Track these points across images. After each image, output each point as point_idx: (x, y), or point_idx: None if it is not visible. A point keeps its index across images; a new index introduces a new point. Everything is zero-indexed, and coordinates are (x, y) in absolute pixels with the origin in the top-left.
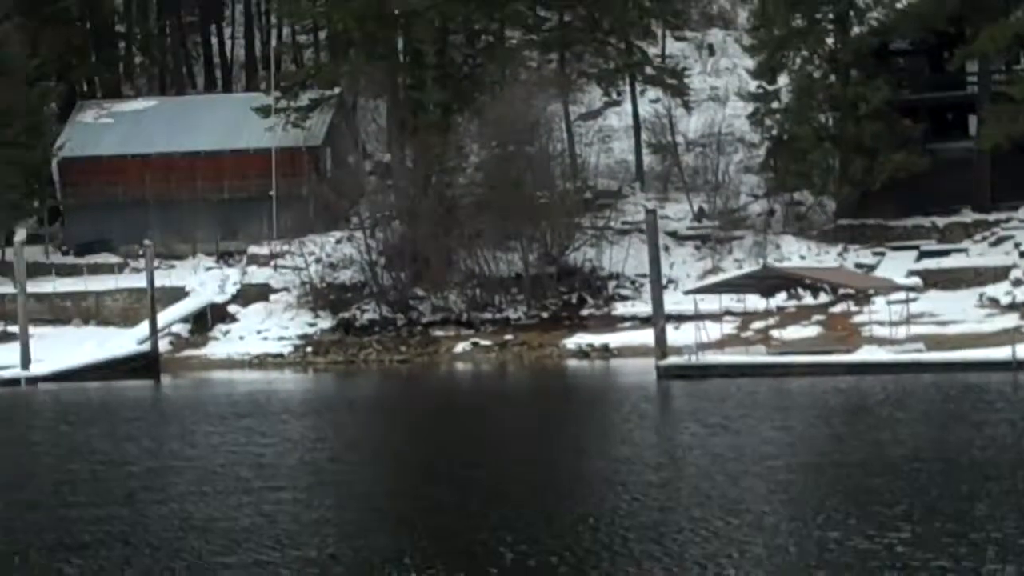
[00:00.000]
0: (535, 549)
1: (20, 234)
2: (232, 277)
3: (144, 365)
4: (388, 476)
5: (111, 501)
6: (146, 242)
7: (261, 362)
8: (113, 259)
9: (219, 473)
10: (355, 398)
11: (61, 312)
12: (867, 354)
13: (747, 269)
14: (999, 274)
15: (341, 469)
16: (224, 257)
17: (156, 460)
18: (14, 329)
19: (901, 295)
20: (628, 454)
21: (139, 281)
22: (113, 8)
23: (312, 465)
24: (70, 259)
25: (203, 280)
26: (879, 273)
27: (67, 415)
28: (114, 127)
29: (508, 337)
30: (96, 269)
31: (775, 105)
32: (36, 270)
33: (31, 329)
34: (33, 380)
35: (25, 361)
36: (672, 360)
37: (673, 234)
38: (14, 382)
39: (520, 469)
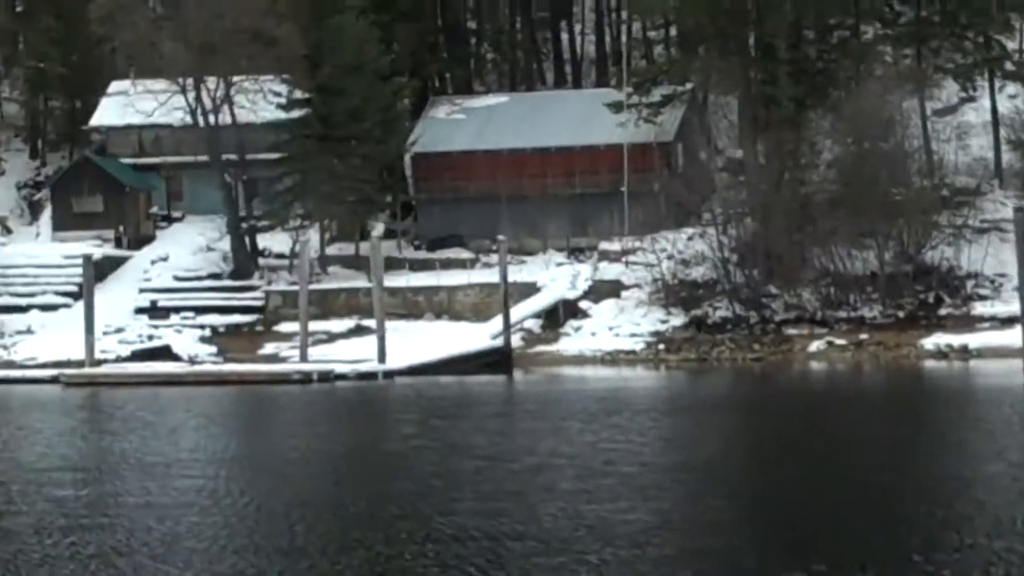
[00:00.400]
0: (967, 553)
1: (378, 229)
2: (583, 273)
3: (496, 360)
4: (770, 477)
5: (501, 498)
6: (500, 237)
7: (613, 359)
8: (464, 254)
9: (603, 472)
10: (716, 397)
11: (413, 306)
12: None
13: None
14: None
15: (719, 469)
16: (575, 253)
17: (535, 457)
18: (367, 323)
19: None
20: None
21: (490, 276)
22: (465, 4)
23: (691, 465)
24: (422, 254)
25: (554, 276)
26: None
27: (433, 409)
28: (466, 123)
29: (863, 336)
30: (448, 264)
31: None
32: (389, 264)
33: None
34: (390, 374)
35: (381, 355)
36: None
37: None
38: (371, 375)
39: (912, 471)
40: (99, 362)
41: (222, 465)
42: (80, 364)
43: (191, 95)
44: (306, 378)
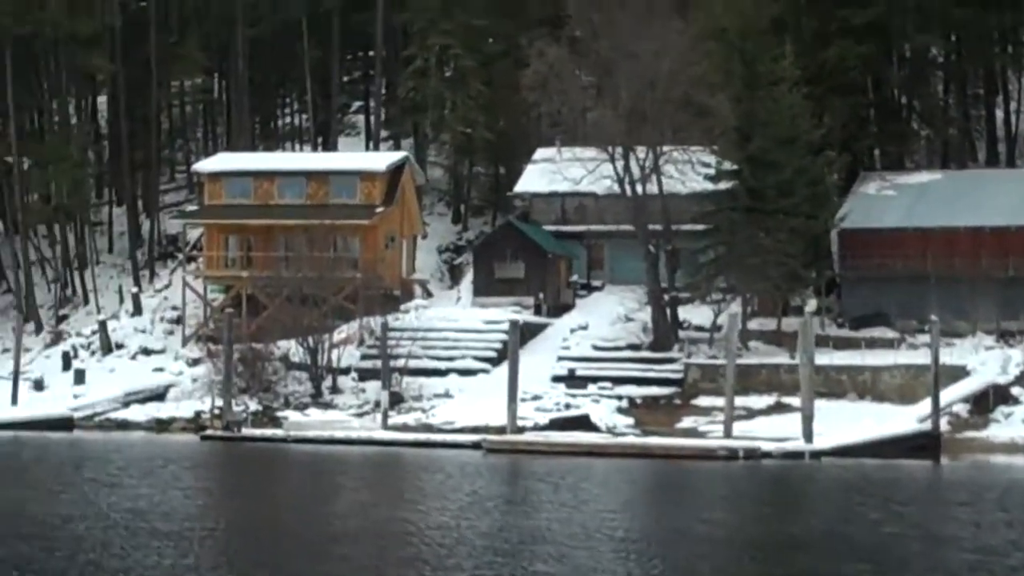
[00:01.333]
0: None
1: (810, 305)
2: (1015, 358)
3: (923, 445)
4: None
5: None
6: (932, 318)
7: None
8: (890, 334)
9: None
10: None
11: (836, 385)
12: None
13: None
14: None
15: None
16: (1004, 336)
17: None
18: (788, 400)
19: None
20: None
21: (916, 357)
22: (899, 79)
23: None
24: (845, 332)
25: (984, 359)
26: None
27: (885, 493)
28: (896, 199)
29: None
30: (872, 343)
31: None
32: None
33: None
34: (817, 454)
35: (808, 434)
36: None
37: None
38: (797, 455)
39: None
40: (521, 429)
41: (704, 543)
42: (499, 430)
43: (619, 163)
44: (732, 455)
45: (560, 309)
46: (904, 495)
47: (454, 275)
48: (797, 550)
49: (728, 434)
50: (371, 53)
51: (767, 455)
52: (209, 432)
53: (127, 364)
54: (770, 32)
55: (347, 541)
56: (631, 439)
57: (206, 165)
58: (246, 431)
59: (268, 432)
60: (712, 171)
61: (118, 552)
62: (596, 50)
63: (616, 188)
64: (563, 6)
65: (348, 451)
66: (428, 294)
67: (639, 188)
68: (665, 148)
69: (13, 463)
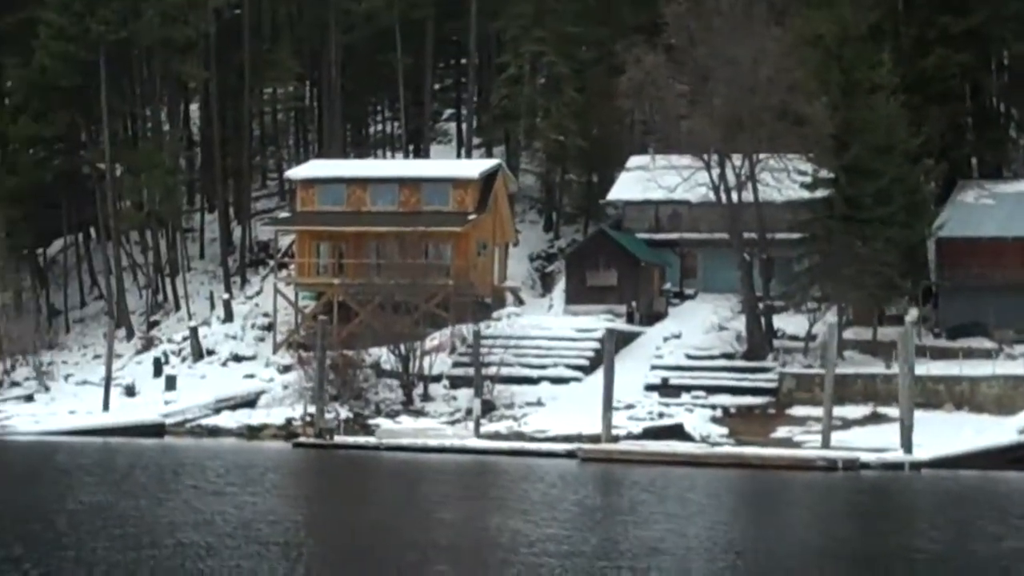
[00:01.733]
0: None
1: (911, 314)
2: None
3: (1021, 456)
4: None
5: None
6: None
7: None
8: (987, 344)
9: None
10: None
11: (932, 396)
12: None
13: None
14: None
15: None
16: None
17: None
18: (884, 410)
19: None
20: None
21: (1015, 368)
22: (997, 87)
23: None
24: (942, 341)
25: None
26: None
27: (1004, 507)
28: (994, 208)
29: None
30: (969, 353)
31: None
32: None
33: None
34: (916, 465)
35: (907, 445)
36: None
37: None
38: (897, 466)
39: None
40: (615, 438)
41: (827, 557)
42: (592, 439)
43: (715, 171)
44: (831, 465)
45: (653, 318)
46: (1017, 508)
47: (546, 283)
48: (925, 564)
49: (826, 444)
50: (464, 61)
51: (866, 466)
52: (301, 439)
53: (218, 370)
54: (868, 40)
55: (463, 551)
56: (728, 449)
57: (298, 172)
58: (338, 439)
59: (361, 440)
60: (808, 179)
61: (229, 561)
62: (694, 57)
63: (711, 196)
64: (659, 13)
65: (442, 459)
66: (520, 302)
67: (734, 196)
68: (761, 156)
69: (111, 469)
